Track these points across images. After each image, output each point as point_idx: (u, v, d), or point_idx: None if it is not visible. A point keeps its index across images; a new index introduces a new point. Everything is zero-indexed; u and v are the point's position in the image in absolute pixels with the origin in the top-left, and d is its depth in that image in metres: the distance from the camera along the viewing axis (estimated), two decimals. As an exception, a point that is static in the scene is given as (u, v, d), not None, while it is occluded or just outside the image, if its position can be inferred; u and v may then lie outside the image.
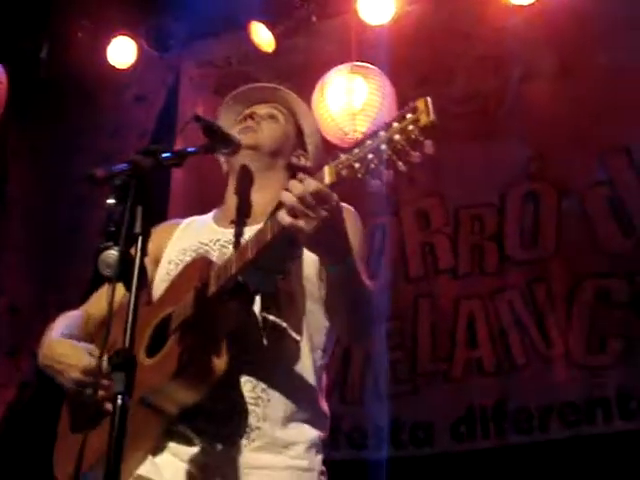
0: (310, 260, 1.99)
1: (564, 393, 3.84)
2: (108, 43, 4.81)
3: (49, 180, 5.00)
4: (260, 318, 1.94)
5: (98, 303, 2.16)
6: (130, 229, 1.57)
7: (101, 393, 1.87)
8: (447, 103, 4.33)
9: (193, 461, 1.87)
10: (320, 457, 1.97)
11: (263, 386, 1.92)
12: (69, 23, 4.84)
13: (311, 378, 1.99)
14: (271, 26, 4.58)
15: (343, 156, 1.66)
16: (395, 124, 1.60)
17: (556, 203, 4.12)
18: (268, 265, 1.82)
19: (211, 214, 2.26)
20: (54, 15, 4.84)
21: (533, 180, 4.21)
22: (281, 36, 4.61)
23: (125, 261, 1.54)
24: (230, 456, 1.86)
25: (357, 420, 4.15)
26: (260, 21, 4.57)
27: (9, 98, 4.48)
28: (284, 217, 1.68)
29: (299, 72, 4.43)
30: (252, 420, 1.89)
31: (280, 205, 1.73)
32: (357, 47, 4.21)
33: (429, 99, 1.59)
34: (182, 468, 1.87)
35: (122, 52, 4.83)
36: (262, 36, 4.60)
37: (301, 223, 1.66)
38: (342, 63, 4.08)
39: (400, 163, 1.59)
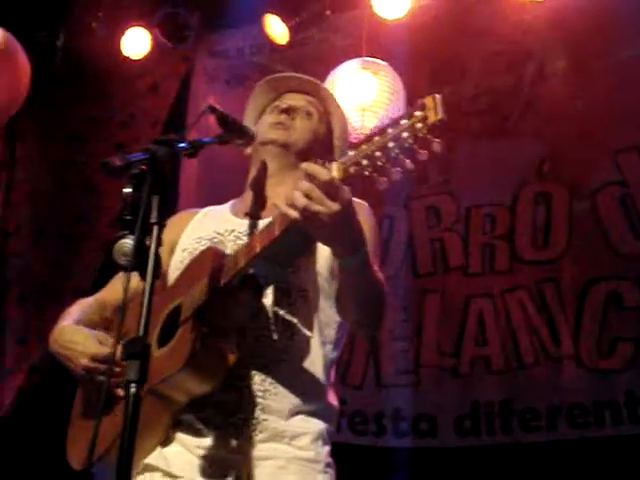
0: (322, 256, 1.99)
1: (572, 394, 3.82)
2: (123, 34, 4.83)
3: (59, 167, 5.02)
4: (271, 313, 1.95)
5: (114, 290, 2.16)
6: (146, 218, 1.57)
7: (112, 380, 1.88)
8: (460, 100, 4.32)
9: (201, 452, 1.87)
10: (327, 449, 1.97)
11: (271, 379, 1.92)
12: (85, 14, 4.87)
13: (320, 372, 1.99)
14: (285, 19, 4.58)
15: (351, 153, 1.65)
16: (403, 121, 1.58)
17: (568, 203, 4.10)
18: (278, 258, 1.82)
19: (229, 204, 2.25)
20: (70, 5, 4.88)
21: (545, 180, 4.18)
22: (295, 29, 4.61)
23: (140, 250, 1.54)
24: (237, 447, 1.86)
25: (358, 405, 4.15)
26: (274, 13, 4.57)
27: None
28: (291, 210, 1.66)
29: (311, 65, 4.40)
30: (259, 412, 1.89)
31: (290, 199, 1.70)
32: (370, 42, 4.19)
33: (438, 96, 1.56)
34: (191, 459, 1.88)
35: (136, 43, 4.84)
36: (276, 28, 4.60)
37: (315, 209, 1.63)
38: (355, 57, 4.06)
39: (408, 161, 1.58)
